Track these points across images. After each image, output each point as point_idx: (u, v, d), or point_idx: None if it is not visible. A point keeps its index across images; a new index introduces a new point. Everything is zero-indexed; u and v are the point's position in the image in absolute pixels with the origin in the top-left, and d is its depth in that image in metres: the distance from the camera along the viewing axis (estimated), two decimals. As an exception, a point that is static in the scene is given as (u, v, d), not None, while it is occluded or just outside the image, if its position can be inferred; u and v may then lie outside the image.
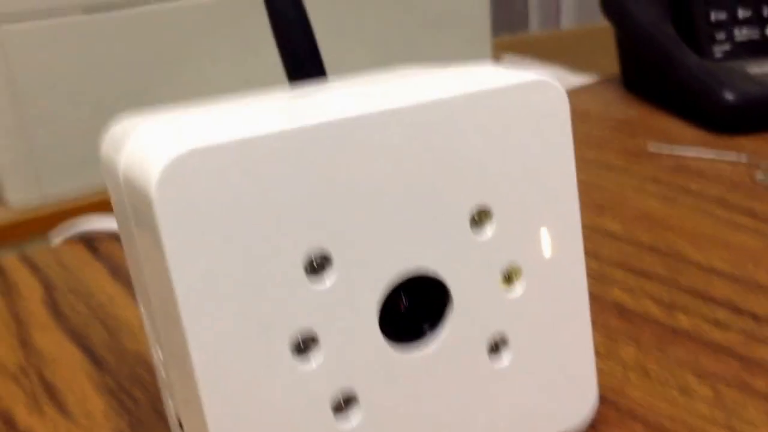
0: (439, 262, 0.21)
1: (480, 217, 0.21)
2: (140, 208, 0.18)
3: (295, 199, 0.19)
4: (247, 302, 0.19)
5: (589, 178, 0.43)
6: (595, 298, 0.30)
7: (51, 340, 0.32)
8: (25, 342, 0.32)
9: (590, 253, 0.33)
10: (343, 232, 0.19)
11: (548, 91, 0.21)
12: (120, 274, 0.37)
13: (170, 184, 0.18)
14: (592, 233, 0.36)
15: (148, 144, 0.19)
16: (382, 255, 0.20)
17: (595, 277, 0.33)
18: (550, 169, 0.22)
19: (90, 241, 0.40)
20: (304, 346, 0.19)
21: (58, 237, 0.40)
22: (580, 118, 0.50)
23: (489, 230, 0.21)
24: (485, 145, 0.21)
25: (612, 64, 0.59)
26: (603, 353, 0.27)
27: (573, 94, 0.53)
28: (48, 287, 0.36)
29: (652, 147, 0.46)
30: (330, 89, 0.23)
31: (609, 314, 0.30)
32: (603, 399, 0.25)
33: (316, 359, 0.20)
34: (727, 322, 0.29)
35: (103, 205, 0.43)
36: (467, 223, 0.21)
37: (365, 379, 0.20)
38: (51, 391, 0.28)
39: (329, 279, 0.19)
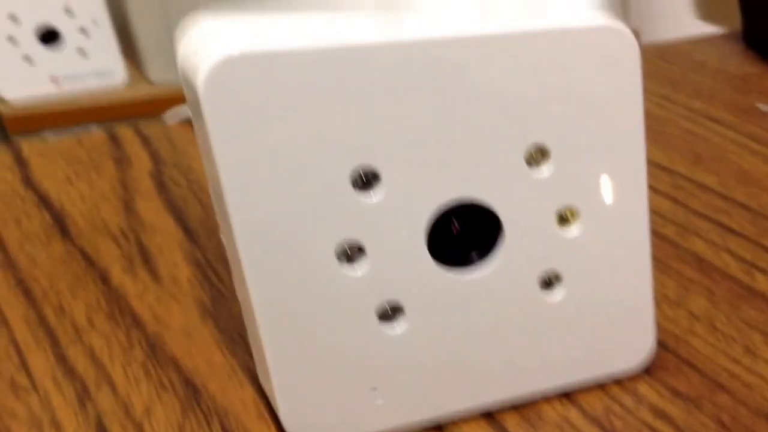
0: (492, 193, 0.21)
1: (536, 156, 0.21)
2: (193, 102, 0.19)
3: (347, 114, 0.19)
4: (292, 207, 0.19)
5: (693, 128, 0.42)
6: (674, 245, 0.30)
7: (152, 209, 0.34)
8: (129, 208, 0.34)
9: (679, 202, 0.33)
10: (395, 151, 0.19)
11: (618, 38, 0.21)
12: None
13: (218, 85, 0.18)
14: (685, 182, 0.35)
15: (201, 44, 0.19)
16: (433, 179, 0.20)
17: (679, 225, 0.32)
18: (614, 115, 0.21)
19: None
20: (350, 254, 0.20)
21: (171, 118, 0.41)
22: (694, 68, 0.48)
23: (545, 170, 0.21)
24: (548, 84, 0.21)
25: (737, 20, 0.56)
26: (673, 300, 0.27)
27: (692, 44, 0.52)
28: (156, 161, 0.38)
29: (763, 107, 0.44)
30: (409, 7, 0.22)
31: (686, 263, 0.30)
32: (664, 345, 0.25)
33: (361, 268, 0.20)
34: (807, 290, 0.28)
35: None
36: (522, 160, 0.21)
37: (411, 292, 0.21)
38: (145, 255, 0.30)
39: (376, 194, 0.20)
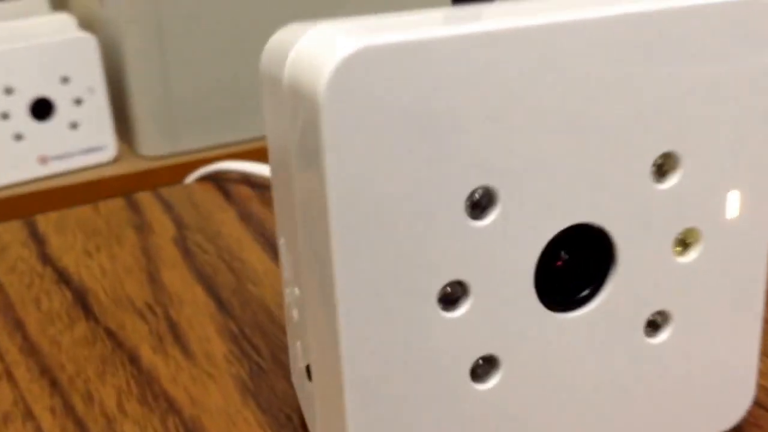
0: (611, 213, 0.19)
1: (665, 165, 0.19)
2: (303, 114, 0.17)
3: (471, 122, 0.17)
4: (402, 233, 0.17)
5: None
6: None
7: (178, 279, 0.32)
8: (153, 279, 0.32)
9: None
10: (515, 166, 0.17)
11: (755, 7, 0.18)
12: (250, 218, 0.37)
13: (343, 84, 0.15)
14: None
15: (320, 43, 0.17)
16: (554, 198, 0.18)
17: None
18: (753, 113, 0.19)
19: (222, 184, 0.40)
20: (452, 295, 0.18)
21: (191, 178, 0.40)
22: None
23: (672, 181, 0.19)
24: (689, 72, 0.18)
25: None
26: (764, 351, 0.24)
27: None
28: (179, 226, 0.37)
29: None
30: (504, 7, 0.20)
31: None
32: (758, 402, 0.23)
33: (462, 309, 0.18)
34: None
35: (237, 156, 0.43)
36: (650, 170, 0.19)
37: (511, 338, 0.19)
38: (175, 331, 0.29)
39: (490, 217, 0.17)
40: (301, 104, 0.17)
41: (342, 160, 0.16)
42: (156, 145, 0.54)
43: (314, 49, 0.17)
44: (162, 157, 0.53)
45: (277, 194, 0.21)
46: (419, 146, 0.16)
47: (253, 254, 0.33)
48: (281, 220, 0.21)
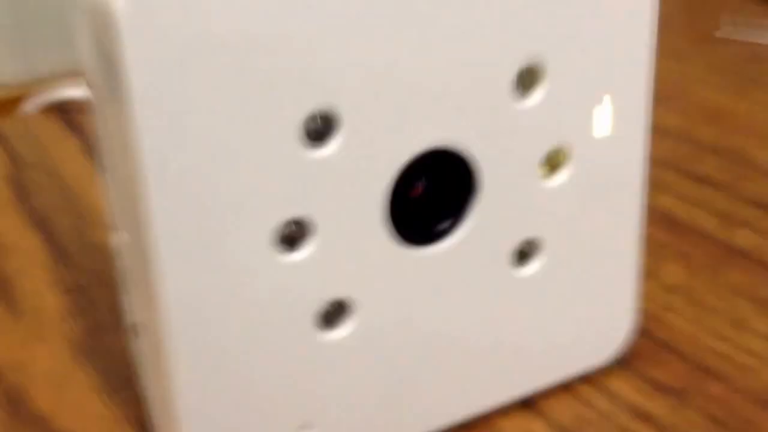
0: (472, 135, 0.18)
1: (528, 79, 0.18)
2: (105, 41, 0.15)
3: (300, 37, 0.15)
4: (226, 168, 0.16)
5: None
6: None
7: (10, 224, 0.30)
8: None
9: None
10: (353, 84, 0.16)
11: None
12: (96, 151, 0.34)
13: (144, 7, 0.14)
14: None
15: None
16: (404, 120, 0.17)
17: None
18: (621, 20, 0.19)
19: (66, 112, 0.38)
20: (291, 234, 0.17)
21: (31, 106, 0.37)
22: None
23: (537, 96, 0.18)
24: None
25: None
26: (644, 272, 0.25)
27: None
28: (14, 162, 0.34)
29: (722, 31, 0.43)
30: None
31: (655, 226, 0.27)
32: (638, 328, 0.22)
33: (305, 251, 0.17)
34: (796, 243, 0.26)
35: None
36: (512, 84, 0.18)
37: (361, 277, 0.18)
38: (2, 285, 0.27)
39: (332, 148, 0.16)
40: (101, 24, 0.15)
41: (148, 85, 0.15)
42: (12, 68, 0.52)
43: None
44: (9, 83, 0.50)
45: (97, 125, 0.20)
46: (236, 68, 0.15)
47: (99, 192, 0.31)
48: (102, 154, 0.20)
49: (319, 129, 0.16)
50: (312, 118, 0.16)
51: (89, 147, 0.35)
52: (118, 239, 0.20)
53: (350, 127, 0.16)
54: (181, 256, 0.16)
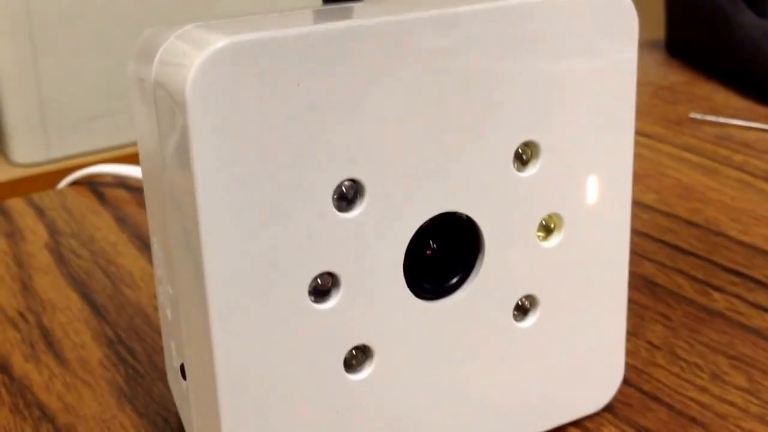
0: (476, 202, 0.19)
1: (526, 154, 0.19)
2: (170, 112, 0.17)
3: (333, 115, 0.17)
4: (274, 227, 0.17)
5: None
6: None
7: (52, 286, 0.31)
8: (26, 287, 0.31)
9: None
10: (378, 159, 0.17)
11: (616, 6, 0.19)
12: (125, 222, 0.35)
13: (208, 79, 0.16)
14: (625, 203, 0.34)
15: (186, 42, 0.17)
16: (420, 189, 0.18)
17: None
18: (606, 102, 0.20)
19: (97, 188, 0.39)
20: (323, 286, 0.18)
21: (64, 183, 0.38)
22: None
23: (532, 169, 0.19)
24: (545, 63, 0.19)
25: (657, 29, 0.56)
26: (629, 331, 0.26)
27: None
28: (52, 232, 0.35)
29: (694, 115, 0.43)
30: (372, 7, 0.21)
31: (638, 289, 0.28)
32: (626, 380, 0.23)
33: (333, 300, 0.18)
34: (767, 305, 0.27)
35: (113, 161, 0.42)
36: (511, 158, 0.19)
37: (381, 325, 0.19)
38: (48, 338, 0.28)
39: (358, 209, 0.18)
40: (168, 100, 0.17)
41: (209, 154, 0.16)
42: (29, 152, 0.52)
43: (180, 47, 0.17)
44: (36, 164, 0.51)
45: (148, 193, 0.21)
46: (284, 140, 0.17)
47: (128, 257, 0.32)
48: (153, 218, 0.21)
49: (349, 196, 0.18)
50: (342, 187, 0.18)
51: (119, 217, 0.36)
52: (165, 292, 0.21)
53: (373, 195, 0.18)
54: (231, 307, 0.17)
